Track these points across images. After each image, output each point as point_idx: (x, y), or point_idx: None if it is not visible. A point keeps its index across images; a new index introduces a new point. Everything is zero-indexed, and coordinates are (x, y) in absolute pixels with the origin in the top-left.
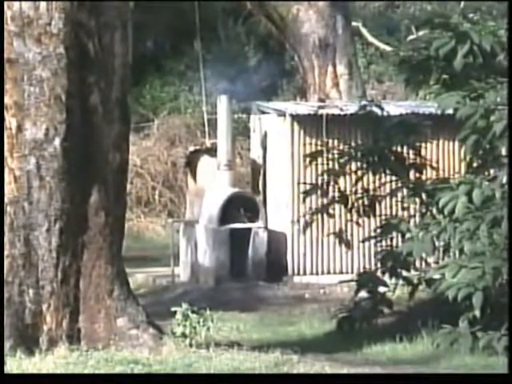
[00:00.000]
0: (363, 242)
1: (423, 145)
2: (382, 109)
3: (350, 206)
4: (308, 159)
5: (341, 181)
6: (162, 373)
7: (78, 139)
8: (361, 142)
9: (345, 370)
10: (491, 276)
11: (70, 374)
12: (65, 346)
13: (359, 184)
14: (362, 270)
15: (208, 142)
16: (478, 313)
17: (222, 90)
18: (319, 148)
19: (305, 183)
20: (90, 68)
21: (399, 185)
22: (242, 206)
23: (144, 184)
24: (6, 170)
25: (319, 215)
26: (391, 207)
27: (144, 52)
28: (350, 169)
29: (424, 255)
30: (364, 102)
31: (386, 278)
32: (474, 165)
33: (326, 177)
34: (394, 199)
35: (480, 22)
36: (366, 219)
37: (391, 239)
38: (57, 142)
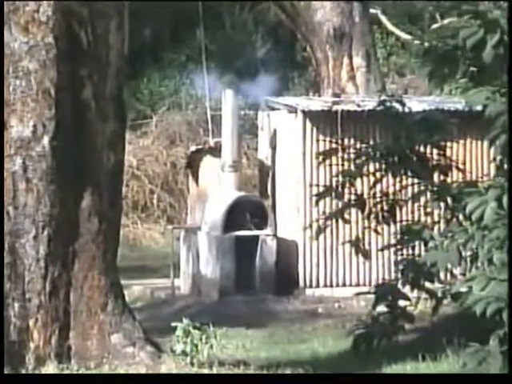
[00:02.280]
0: (382, 250)
1: (449, 144)
2: (404, 104)
3: (367, 211)
4: (321, 159)
5: (357, 183)
6: (162, 373)
7: (68, 138)
8: (380, 141)
9: None
10: None
11: (70, 374)
12: (53, 364)
13: (378, 187)
14: (380, 282)
15: (211, 141)
16: (508, 329)
17: (227, 84)
18: (334, 147)
19: (318, 185)
20: (82, 60)
21: (422, 188)
22: (249, 211)
23: (141, 187)
24: None
25: (333, 221)
26: (413, 213)
27: (141, 42)
28: (368, 170)
29: (449, 266)
30: (383, 97)
31: (407, 290)
32: (505, 167)
33: (340, 179)
34: (416, 204)
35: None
36: (385, 226)
37: (413, 248)
38: (45, 140)
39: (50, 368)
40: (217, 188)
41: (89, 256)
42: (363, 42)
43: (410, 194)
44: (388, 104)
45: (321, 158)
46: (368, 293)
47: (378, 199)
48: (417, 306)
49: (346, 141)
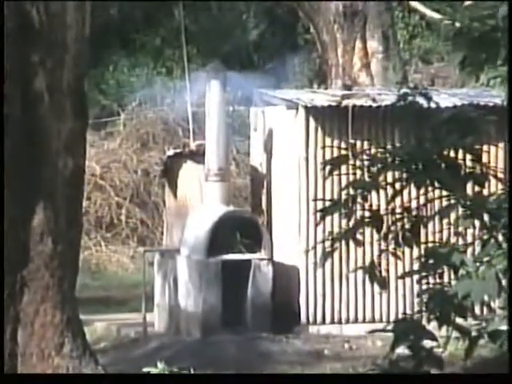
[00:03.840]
0: (402, 278)
1: (485, 148)
2: (430, 99)
3: (384, 230)
4: (328, 167)
5: (372, 196)
6: (165, 373)
7: (15, 139)
8: (400, 144)
9: None
10: None
11: (70, 374)
12: None
13: (397, 201)
14: (400, 317)
15: (193, 144)
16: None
17: (213, 74)
18: (343, 152)
19: (323, 200)
20: (32, 43)
21: (452, 202)
22: (239, 229)
23: (106, 200)
24: None
25: (343, 243)
26: (441, 232)
27: (107, 22)
28: (385, 180)
29: (486, 298)
30: (404, 90)
31: (434, 327)
32: None
33: (351, 191)
34: (444, 221)
35: None
36: (406, 248)
37: (440, 275)
38: None
39: None
40: (199, 201)
41: (41, 285)
42: (380, 21)
43: (436, 210)
44: (410, 98)
45: (327, 169)
46: (385, 330)
47: (398, 216)
48: (446, 347)
49: (358, 144)
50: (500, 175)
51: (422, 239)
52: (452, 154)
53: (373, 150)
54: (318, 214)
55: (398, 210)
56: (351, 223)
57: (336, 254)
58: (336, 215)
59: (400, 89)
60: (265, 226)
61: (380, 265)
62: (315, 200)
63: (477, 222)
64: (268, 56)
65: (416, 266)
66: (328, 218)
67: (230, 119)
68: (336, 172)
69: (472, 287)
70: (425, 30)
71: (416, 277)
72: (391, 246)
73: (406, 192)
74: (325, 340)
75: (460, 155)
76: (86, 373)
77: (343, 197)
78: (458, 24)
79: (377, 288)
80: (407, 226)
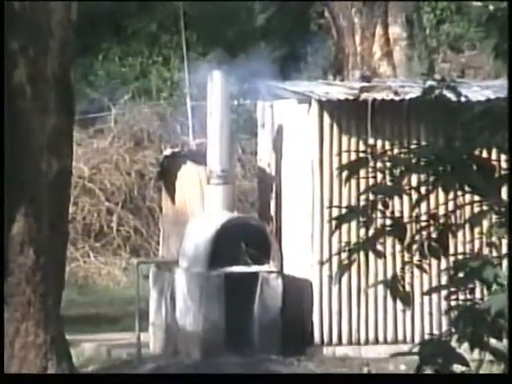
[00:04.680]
0: (428, 294)
1: None
2: (459, 92)
3: (408, 240)
4: (345, 170)
5: (394, 202)
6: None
7: None
8: (425, 143)
9: None
10: None
11: (70, 374)
12: None
13: (423, 207)
14: (426, 338)
15: (193, 143)
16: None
17: (215, 63)
18: (362, 153)
19: (339, 206)
20: (13, 28)
21: (484, 208)
22: (244, 238)
23: (95, 205)
24: None
25: (361, 254)
26: (472, 242)
27: (96, 6)
28: (409, 184)
29: None
30: (431, 82)
31: (465, 350)
32: None
33: (371, 196)
34: (475, 230)
35: None
36: (432, 260)
37: (471, 291)
38: None
39: None
40: (200, 207)
41: (22, 302)
42: (403, 5)
43: (467, 217)
44: (437, 91)
45: (345, 172)
46: (409, 353)
47: (423, 224)
48: (479, 371)
49: (378, 143)
50: None
51: (451, 250)
52: (485, 153)
53: (395, 150)
54: (334, 222)
55: (424, 218)
56: (371, 232)
57: (354, 267)
58: (353, 223)
59: (426, 81)
60: (274, 234)
61: (403, 279)
62: (330, 207)
63: None
64: (277, 43)
65: (444, 281)
66: (344, 227)
67: (234, 115)
68: (354, 175)
69: (506, 304)
70: (454, 13)
71: (444, 292)
72: (416, 258)
73: (432, 197)
74: (341, 363)
75: (494, 155)
76: (86, 373)
77: (362, 203)
78: (491, 7)
79: (400, 305)
80: (434, 236)
